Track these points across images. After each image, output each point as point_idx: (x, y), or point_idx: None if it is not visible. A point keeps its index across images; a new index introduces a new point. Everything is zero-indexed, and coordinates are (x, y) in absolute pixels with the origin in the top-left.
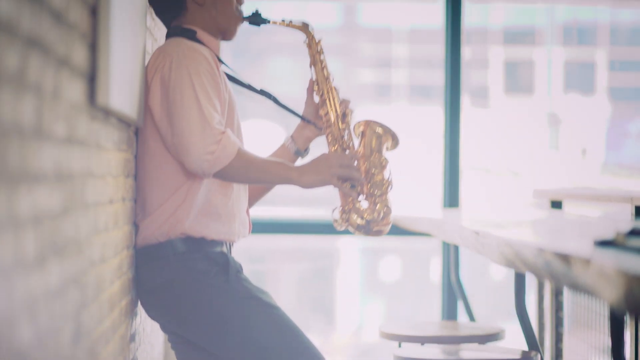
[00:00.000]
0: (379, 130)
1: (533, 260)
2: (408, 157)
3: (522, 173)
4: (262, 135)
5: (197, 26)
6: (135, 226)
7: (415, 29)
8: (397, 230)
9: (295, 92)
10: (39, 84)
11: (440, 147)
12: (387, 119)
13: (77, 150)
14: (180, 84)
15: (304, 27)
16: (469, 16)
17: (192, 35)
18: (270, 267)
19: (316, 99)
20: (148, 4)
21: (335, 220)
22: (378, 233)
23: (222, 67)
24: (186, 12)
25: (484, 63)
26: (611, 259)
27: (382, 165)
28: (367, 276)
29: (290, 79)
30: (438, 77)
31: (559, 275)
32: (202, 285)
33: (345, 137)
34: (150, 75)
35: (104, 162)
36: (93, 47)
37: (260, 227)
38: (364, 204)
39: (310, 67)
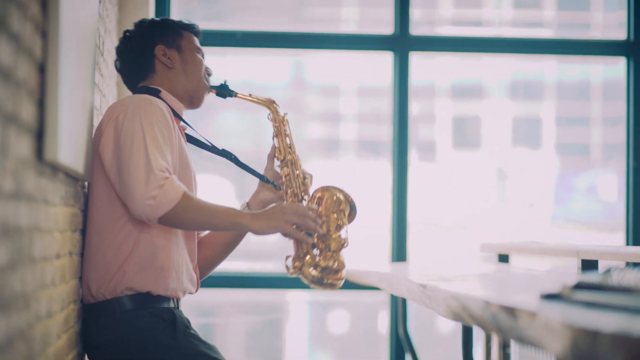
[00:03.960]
0: (339, 196)
1: (480, 314)
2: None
3: (469, 227)
4: (215, 192)
5: (163, 88)
6: (82, 280)
7: (364, 84)
8: (346, 284)
9: (246, 147)
10: None
11: (388, 201)
12: (336, 174)
13: (24, 205)
14: (131, 132)
15: (269, 103)
16: (417, 71)
17: (155, 93)
18: (220, 321)
19: (277, 166)
20: (99, 60)
21: (288, 268)
22: (331, 286)
23: (186, 129)
24: (154, 75)
25: (432, 118)
26: (557, 312)
27: (339, 226)
28: (315, 329)
29: (239, 134)
30: (386, 132)
31: (505, 329)
32: (149, 343)
33: (305, 198)
34: (104, 125)
35: (51, 217)
36: (41, 104)
37: (210, 281)
38: (317, 257)
39: (273, 138)
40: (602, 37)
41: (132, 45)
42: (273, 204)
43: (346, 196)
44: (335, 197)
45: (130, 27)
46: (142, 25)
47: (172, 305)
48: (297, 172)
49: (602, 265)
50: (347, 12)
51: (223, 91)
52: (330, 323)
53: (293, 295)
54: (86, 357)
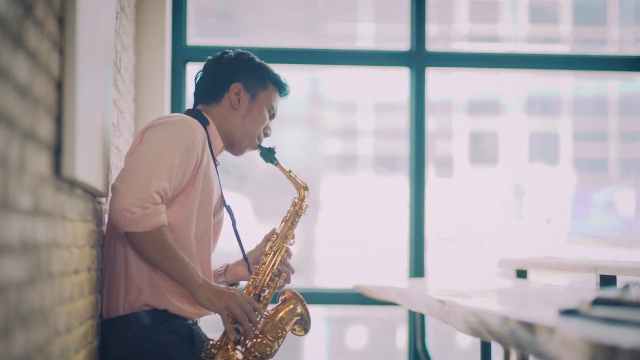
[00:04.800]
0: (299, 309)
1: (498, 329)
2: (374, 227)
3: (487, 242)
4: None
5: (216, 122)
6: (101, 296)
7: (380, 100)
8: (364, 300)
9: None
10: (4, 157)
11: (405, 217)
12: (353, 189)
13: (43, 221)
14: (154, 142)
15: (303, 188)
16: (433, 87)
17: (203, 122)
18: None
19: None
20: (117, 77)
21: (202, 352)
22: None
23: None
24: (217, 105)
25: (449, 133)
26: (576, 328)
27: (278, 337)
28: (334, 345)
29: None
30: (403, 148)
31: (524, 344)
32: (167, 358)
33: (264, 294)
34: (141, 132)
35: (69, 232)
36: (59, 120)
37: None
38: (239, 354)
39: (282, 222)
40: (619, 53)
41: (219, 67)
42: (232, 286)
43: (306, 316)
44: (295, 310)
45: (148, 43)
46: (241, 55)
47: (189, 321)
48: (275, 264)
49: (621, 280)
50: (363, 27)
51: (267, 155)
52: (349, 338)
53: (311, 311)
54: None
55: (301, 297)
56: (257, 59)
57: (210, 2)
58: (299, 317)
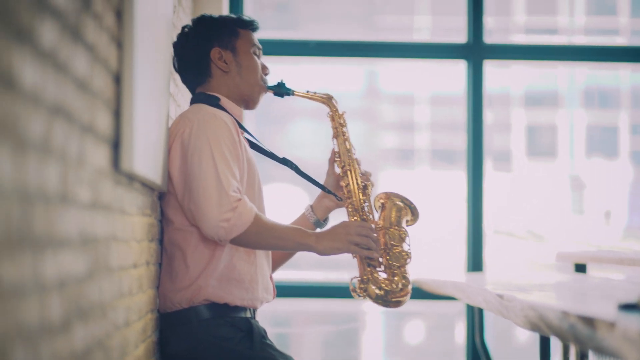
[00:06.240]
0: (399, 203)
1: (557, 324)
2: (431, 221)
3: (545, 236)
4: (286, 199)
5: (221, 93)
6: (159, 290)
7: (437, 93)
8: (422, 294)
9: (316, 157)
10: (63, 150)
11: (462, 211)
12: (410, 183)
13: (102, 215)
14: (199, 150)
15: (328, 100)
16: (491, 80)
17: (215, 102)
18: (295, 331)
19: (337, 169)
20: (173, 70)
21: (353, 290)
22: (396, 304)
23: (245, 135)
24: (211, 79)
25: (506, 127)
26: (635, 323)
27: (401, 238)
28: (391, 339)
29: (311, 143)
30: (460, 141)
31: (583, 339)
32: (226, 352)
33: (366, 209)
34: (171, 140)
35: (128, 226)
36: (117, 114)
37: (285, 290)
38: (382, 274)
39: (333, 139)
40: None
41: (189, 45)
42: (338, 223)
43: (407, 203)
44: (396, 205)
45: None
46: (199, 23)
47: (248, 315)
48: (357, 180)
49: None
50: (420, 20)
51: (280, 90)
52: (406, 333)
53: (369, 305)
54: None
55: (392, 192)
56: (210, 16)
57: None
58: (405, 210)
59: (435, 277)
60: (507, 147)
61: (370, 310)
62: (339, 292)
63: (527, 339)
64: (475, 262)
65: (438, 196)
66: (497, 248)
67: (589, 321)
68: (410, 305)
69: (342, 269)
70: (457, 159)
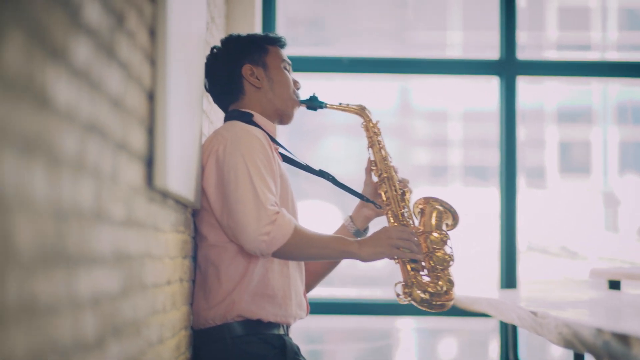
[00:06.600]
0: (439, 207)
1: (592, 341)
2: (463, 238)
3: (579, 253)
4: (319, 216)
5: (254, 110)
6: (193, 307)
7: (470, 109)
8: (455, 311)
9: (350, 172)
10: (97, 168)
11: (495, 227)
12: (443, 199)
13: (135, 232)
14: (235, 166)
15: (361, 110)
16: (523, 95)
17: (248, 119)
18: (329, 348)
19: (375, 178)
20: (205, 90)
21: (398, 295)
22: (441, 307)
23: (279, 150)
24: (244, 96)
25: (540, 143)
26: None
27: (443, 241)
28: (425, 356)
29: (344, 158)
30: (493, 157)
31: (618, 356)
32: None
33: (405, 215)
34: (205, 157)
35: (162, 243)
36: (150, 131)
37: (319, 307)
38: (425, 278)
39: (368, 148)
40: None
41: (220, 64)
42: (379, 229)
43: (447, 207)
44: (436, 210)
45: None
46: (228, 42)
47: (282, 331)
48: (395, 187)
49: None
50: (452, 35)
51: (313, 103)
52: (440, 350)
53: (402, 322)
54: None
55: (431, 197)
56: (238, 35)
57: (300, 11)
58: (445, 214)
59: (468, 294)
60: (540, 163)
61: (403, 327)
62: (372, 309)
63: (561, 356)
64: (509, 279)
65: (471, 213)
66: (531, 265)
67: (624, 338)
68: (444, 321)
69: (375, 285)
70: (490, 175)
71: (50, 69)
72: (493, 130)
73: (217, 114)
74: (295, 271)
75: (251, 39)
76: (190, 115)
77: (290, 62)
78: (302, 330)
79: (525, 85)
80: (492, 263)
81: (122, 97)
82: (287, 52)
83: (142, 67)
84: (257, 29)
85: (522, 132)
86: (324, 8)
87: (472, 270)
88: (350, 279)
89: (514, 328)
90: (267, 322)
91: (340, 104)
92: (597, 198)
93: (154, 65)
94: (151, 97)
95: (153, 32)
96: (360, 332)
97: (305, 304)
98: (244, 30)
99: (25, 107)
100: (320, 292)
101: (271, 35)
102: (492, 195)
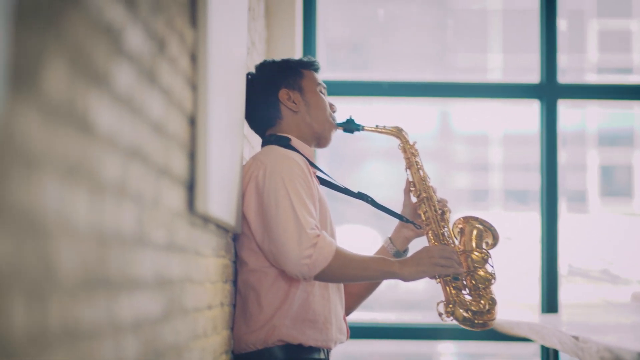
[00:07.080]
0: (479, 226)
1: None
2: (504, 262)
3: (620, 277)
4: (358, 239)
5: (291, 134)
6: (233, 331)
7: (510, 132)
8: (496, 335)
9: (389, 197)
10: (139, 193)
11: (536, 252)
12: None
13: (177, 257)
14: (274, 191)
15: (397, 132)
16: (564, 119)
17: (285, 143)
18: None
19: (414, 199)
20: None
21: (440, 314)
22: (483, 326)
23: (317, 173)
24: (281, 121)
25: (581, 167)
26: None
27: (484, 260)
28: None
29: (383, 184)
30: (534, 182)
31: None
32: None
33: (446, 235)
34: (245, 183)
35: (203, 268)
36: (192, 156)
37: (359, 331)
38: (467, 297)
39: (406, 170)
40: None
41: (256, 90)
42: (420, 249)
43: (487, 225)
44: (476, 229)
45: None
46: (263, 68)
47: (322, 356)
48: (435, 207)
49: None
50: (492, 59)
51: (350, 126)
52: None
53: (443, 347)
54: None
55: (471, 216)
56: (272, 60)
57: (340, 35)
58: (486, 233)
59: (509, 318)
60: (581, 187)
61: (444, 352)
62: (413, 333)
63: None
64: (550, 303)
65: (511, 237)
66: (572, 289)
67: None
68: (484, 346)
69: (416, 309)
70: (530, 199)
71: (92, 94)
72: (534, 153)
73: (258, 138)
74: (336, 295)
75: (286, 63)
76: (231, 139)
77: (325, 85)
78: (342, 355)
79: (566, 110)
80: (533, 287)
81: (163, 122)
82: (327, 76)
83: (184, 92)
84: (298, 53)
85: (563, 156)
86: (364, 32)
87: (513, 295)
88: (390, 303)
89: (556, 352)
90: (308, 346)
91: (377, 126)
92: (638, 222)
93: (195, 91)
94: (192, 122)
95: (194, 58)
96: (401, 356)
97: (346, 327)
98: (285, 55)
99: (68, 133)
100: (361, 316)
101: (305, 59)
102: (533, 219)
